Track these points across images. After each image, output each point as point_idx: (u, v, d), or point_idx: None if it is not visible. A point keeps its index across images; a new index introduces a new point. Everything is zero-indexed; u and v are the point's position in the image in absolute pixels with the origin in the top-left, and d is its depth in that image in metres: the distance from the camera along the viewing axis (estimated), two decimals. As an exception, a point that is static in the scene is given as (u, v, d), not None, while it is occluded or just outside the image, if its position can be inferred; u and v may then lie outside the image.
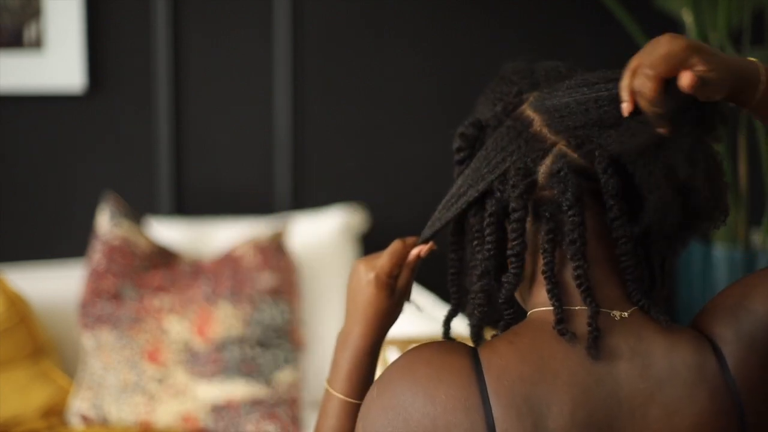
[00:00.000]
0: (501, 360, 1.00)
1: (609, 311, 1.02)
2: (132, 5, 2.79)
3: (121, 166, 2.83)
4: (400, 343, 2.01)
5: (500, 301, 1.07)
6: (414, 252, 1.18)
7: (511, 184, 1.05)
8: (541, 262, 1.04)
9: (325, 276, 2.65)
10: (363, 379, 1.16)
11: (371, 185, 3.00)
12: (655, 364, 1.00)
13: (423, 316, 2.35)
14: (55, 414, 2.43)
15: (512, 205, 1.04)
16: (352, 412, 1.15)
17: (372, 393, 1.03)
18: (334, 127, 2.97)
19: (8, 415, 2.35)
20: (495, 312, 1.10)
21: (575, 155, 1.04)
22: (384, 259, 1.16)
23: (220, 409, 2.41)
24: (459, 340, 1.09)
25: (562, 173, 1.02)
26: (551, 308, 1.03)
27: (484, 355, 1.01)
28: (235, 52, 2.87)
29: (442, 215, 1.14)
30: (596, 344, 1.00)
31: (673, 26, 3.04)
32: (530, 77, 1.13)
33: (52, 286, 2.61)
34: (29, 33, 2.69)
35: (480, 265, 1.08)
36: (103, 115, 2.80)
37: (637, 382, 1.00)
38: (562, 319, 1.01)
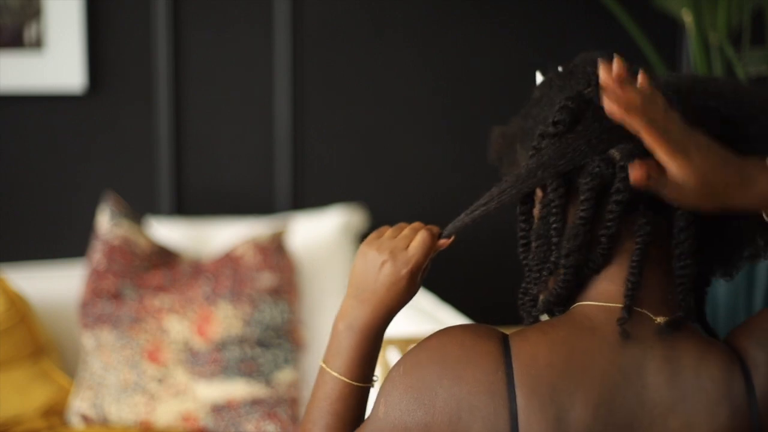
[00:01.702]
0: (531, 348, 1.00)
1: (654, 317, 1.02)
2: (132, 5, 2.79)
3: (121, 166, 2.83)
4: (399, 342, 2.01)
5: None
6: (441, 242, 1.14)
7: (620, 165, 1.02)
8: (622, 252, 1.04)
9: (325, 276, 2.65)
10: (370, 361, 1.13)
11: (371, 185, 3.00)
12: (682, 375, 1.00)
13: (424, 316, 2.35)
14: (55, 414, 2.43)
15: (618, 185, 1.02)
16: (354, 395, 1.12)
17: (398, 370, 1.04)
18: (334, 127, 2.97)
19: (8, 414, 2.35)
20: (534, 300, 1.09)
21: None
22: (419, 255, 1.12)
23: (220, 409, 2.41)
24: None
25: None
26: (601, 304, 1.03)
27: (514, 342, 1.01)
28: (235, 52, 2.88)
29: (515, 185, 1.06)
30: (633, 344, 1.00)
31: (673, 26, 3.04)
32: (629, 68, 1.09)
33: (52, 286, 2.61)
34: (29, 33, 2.69)
35: (572, 241, 1.03)
36: (103, 115, 2.80)
37: (664, 389, 1.00)
38: (627, 319, 1.01)
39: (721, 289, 2.54)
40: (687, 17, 2.59)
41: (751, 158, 1.01)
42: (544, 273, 1.06)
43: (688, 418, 0.99)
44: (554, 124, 1.05)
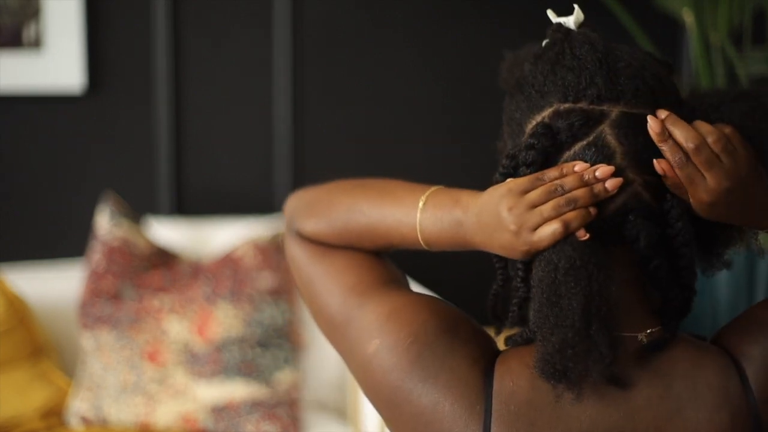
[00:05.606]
0: (513, 383, 0.99)
1: (636, 335, 1.00)
2: (132, 5, 2.79)
3: (121, 166, 2.82)
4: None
5: None
6: (580, 234, 1.02)
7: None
8: None
9: (325, 276, 2.65)
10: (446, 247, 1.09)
11: (371, 185, 2.99)
12: (676, 386, 0.98)
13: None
14: (54, 415, 2.42)
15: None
16: (407, 243, 1.13)
17: (404, 342, 1.03)
18: (334, 127, 2.96)
19: (8, 415, 2.35)
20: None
21: (647, 195, 1.00)
22: (542, 245, 1.01)
23: (220, 410, 2.40)
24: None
25: (636, 220, 1.00)
26: None
27: (498, 373, 1.00)
28: (235, 52, 2.87)
29: None
30: (621, 371, 0.98)
31: (674, 26, 3.04)
32: (614, 83, 1.03)
33: (52, 286, 2.61)
34: (28, 33, 2.68)
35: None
36: (103, 115, 2.80)
37: (657, 403, 0.98)
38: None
39: (722, 288, 2.54)
40: (688, 17, 2.58)
41: None
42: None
43: (688, 429, 0.98)
44: (527, 148, 1.03)
